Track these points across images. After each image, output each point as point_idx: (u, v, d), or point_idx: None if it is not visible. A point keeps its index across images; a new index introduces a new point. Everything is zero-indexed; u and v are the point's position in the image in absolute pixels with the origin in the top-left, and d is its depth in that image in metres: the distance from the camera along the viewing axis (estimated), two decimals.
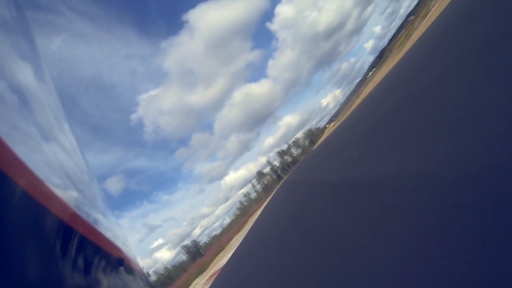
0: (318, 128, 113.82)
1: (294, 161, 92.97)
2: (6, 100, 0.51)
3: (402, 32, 60.06)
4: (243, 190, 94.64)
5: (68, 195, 0.62)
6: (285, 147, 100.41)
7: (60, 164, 0.66)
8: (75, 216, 0.60)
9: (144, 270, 1.04)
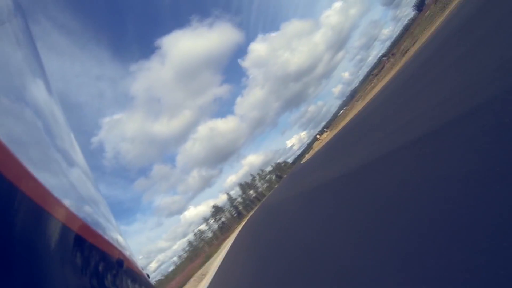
0: (286, 163, 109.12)
1: (259, 196, 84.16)
2: (6, 103, 0.52)
3: (374, 72, 61.09)
4: (202, 227, 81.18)
5: (67, 197, 0.62)
6: (249, 179, 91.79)
7: (60, 166, 0.67)
8: (74, 218, 0.61)
9: (143, 271, 0.99)
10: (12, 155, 0.44)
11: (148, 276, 1.15)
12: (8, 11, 0.60)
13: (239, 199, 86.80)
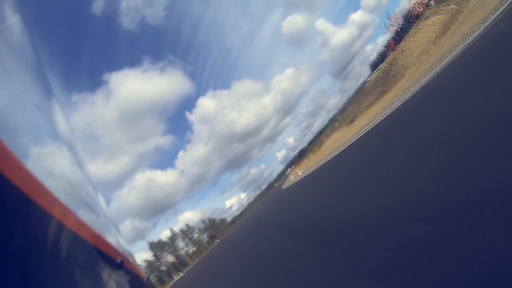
0: (223, 220, 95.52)
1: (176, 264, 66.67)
2: (4, 103, 0.52)
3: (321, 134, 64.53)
4: None
5: (67, 197, 0.63)
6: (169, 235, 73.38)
7: (59, 166, 0.68)
8: (75, 219, 0.61)
9: (143, 272, 0.95)
10: (11, 154, 0.44)
11: (148, 278, 1.12)
12: (6, 12, 0.62)
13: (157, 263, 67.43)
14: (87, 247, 0.65)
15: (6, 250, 0.41)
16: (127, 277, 0.84)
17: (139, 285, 0.94)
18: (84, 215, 0.68)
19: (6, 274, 0.40)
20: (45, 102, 0.68)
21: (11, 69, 0.57)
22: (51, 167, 0.62)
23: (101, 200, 0.81)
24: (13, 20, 0.63)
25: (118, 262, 0.75)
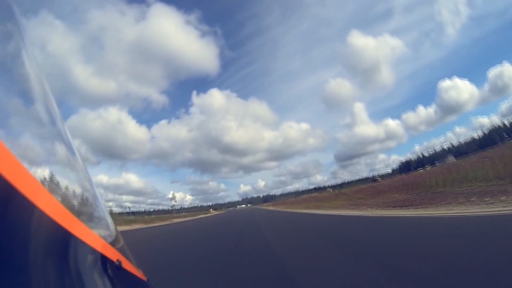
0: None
1: None
2: (3, 103, 0.53)
3: None
4: None
5: (64, 197, 0.64)
6: None
7: (56, 165, 0.68)
8: (73, 221, 0.61)
9: (143, 272, 0.99)
10: (8, 153, 0.44)
11: (148, 279, 1.05)
12: (2, 13, 0.62)
13: None
14: (85, 248, 0.64)
15: (5, 252, 0.42)
16: (126, 278, 0.83)
17: (138, 286, 0.96)
18: (83, 217, 0.69)
19: (5, 275, 0.41)
20: (45, 102, 0.69)
21: (9, 70, 0.59)
22: (45, 163, 0.63)
23: (98, 197, 0.83)
24: (11, 20, 0.62)
25: (117, 264, 0.76)
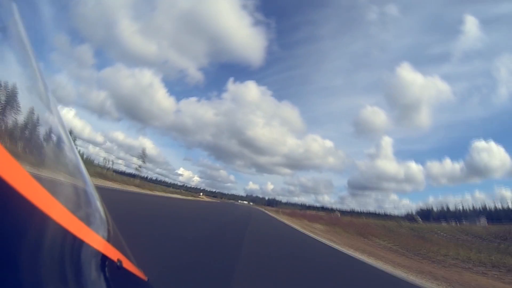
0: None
1: None
2: (3, 105, 0.54)
3: None
4: None
5: (63, 196, 0.63)
6: None
7: (55, 165, 0.70)
8: (74, 221, 0.61)
9: (143, 273, 1.01)
10: (5, 153, 0.44)
11: (148, 279, 1.05)
12: (3, 13, 0.62)
13: None
14: (85, 248, 0.63)
15: (4, 252, 0.42)
16: (126, 278, 0.84)
17: (139, 286, 0.97)
18: (83, 217, 0.67)
19: (5, 276, 0.41)
20: (44, 102, 0.68)
21: (9, 70, 0.58)
22: (44, 163, 0.62)
23: (97, 197, 0.84)
24: (10, 21, 0.61)
25: (118, 264, 0.76)
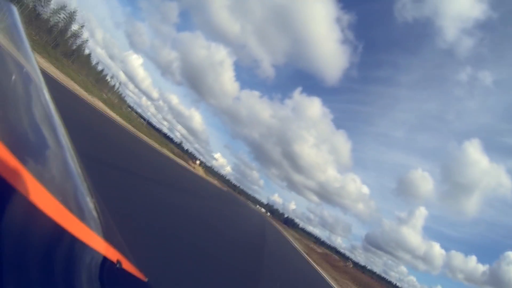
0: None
1: None
2: (2, 105, 0.54)
3: None
4: None
5: (66, 201, 0.63)
6: None
7: (54, 164, 0.68)
8: (74, 221, 0.61)
9: (143, 273, 0.98)
10: (6, 152, 0.44)
11: (148, 280, 1.03)
12: (2, 13, 0.62)
13: None
14: (85, 249, 0.63)
15: (4, 253, 0.42)
16: (126, 279, 0.83)
17: (138, 286, 0.94)
18: (82, 217, 0.65)
19: (5, 276, 0.41)
20: (42, 102, 0.68)
21: (8, 71, 0.59)
22: (43, 162, 0.62)
23: (96, 196, 0.78)
24: (11, 20, 0.64)
25: (117, 264, 0.73)
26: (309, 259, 21.37)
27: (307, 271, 14.47)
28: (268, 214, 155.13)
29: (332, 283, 14.33)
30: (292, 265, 13.00)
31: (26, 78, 0.64)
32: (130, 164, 9.00)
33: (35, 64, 0.68)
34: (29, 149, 0.58)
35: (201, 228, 7.03)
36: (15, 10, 0.66)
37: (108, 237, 0.77)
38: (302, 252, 25.63)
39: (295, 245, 31.47)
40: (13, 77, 0.59)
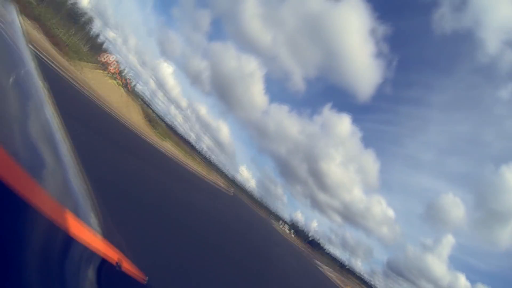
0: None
1: None
2: (2, 106, 0.54)
3: None
4: None
5: (66, 201, 0.63)
6: None
7: (53, 164, 0.68)
8: (73, 222, 0.61)
9: (143, 273, 0.99)
10: (4, 153, 0.45)
11: (148, 280, 1.04)
12: (2, 13, 0.63)
13: None
14: (85, 250, 0.62)
15: (4, 253, 0.42)
16: (126, 279, 0.83)
17: (139, 287, 0.94)
18: (82, 217, 0.65)
19: (5, 277, 0.41)
20: (42, 102, 0.69)
21: (8, 71, 0.59)
22: (41, 162, 0.61)
23: (96, 196, 0.79)
24: (11, 20, 0.65)
25: (117, 265, 0.74)
26: None
27: None
28: (292, 232, 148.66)
29: None
30: None
31: (26, 78, 0.64)
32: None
33: (35, 64, 0.70)
34: (28, 149, 0.58)
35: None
36: (14, 9, 0.68)
37: (108, 237, 0.77)
38: None
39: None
40: (12, 77, 0.59)
